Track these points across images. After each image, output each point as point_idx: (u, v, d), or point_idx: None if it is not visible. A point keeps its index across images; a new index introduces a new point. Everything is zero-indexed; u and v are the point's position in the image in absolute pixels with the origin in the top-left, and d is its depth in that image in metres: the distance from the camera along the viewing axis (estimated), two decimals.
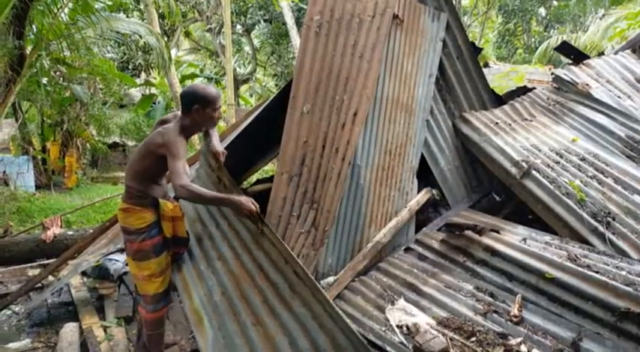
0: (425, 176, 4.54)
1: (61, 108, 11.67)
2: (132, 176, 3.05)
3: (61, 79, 11.80)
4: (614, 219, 3.66)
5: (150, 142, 2.96)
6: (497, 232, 3.72)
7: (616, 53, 6.03)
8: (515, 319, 2.95)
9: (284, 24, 17.23)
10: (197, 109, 2.95)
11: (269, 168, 9.83)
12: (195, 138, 14.59)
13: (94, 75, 11.79)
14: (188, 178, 2.73)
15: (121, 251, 5.61)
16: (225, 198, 2.83)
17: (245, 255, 2.96)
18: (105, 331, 3.99)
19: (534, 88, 5.66)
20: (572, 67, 5.60)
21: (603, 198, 3.83)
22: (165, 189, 3.21)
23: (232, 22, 16.81)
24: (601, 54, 6.25)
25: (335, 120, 3.93)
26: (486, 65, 11.40)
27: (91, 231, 5.48)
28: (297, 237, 3.68)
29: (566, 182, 3.97)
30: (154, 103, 16.82)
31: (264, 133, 4.85)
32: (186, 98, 2.99)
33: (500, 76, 9.63)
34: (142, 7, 15.64)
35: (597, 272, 3.06)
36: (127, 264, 5.26)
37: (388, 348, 2.86)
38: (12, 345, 3.92)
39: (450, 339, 2.82)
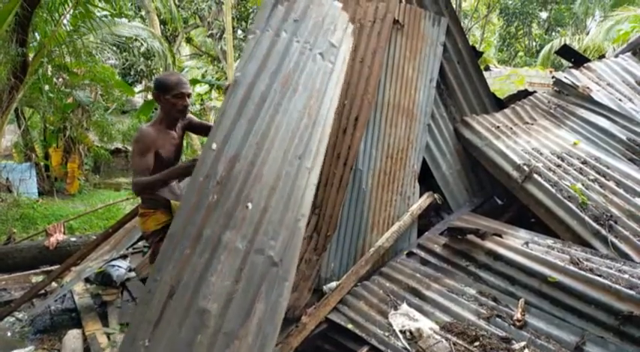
0: (427, 180, 4.55)
1: (63, 115, 11.72)
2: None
3: (64, 85, 11.86)
4: (616, 222, 3.66)
5: (132, 143, 3.10)
6: (500, 236, 3.72)
7: (616, 56, 6.04)
8: (518, 323, 2.95)
9: None
10: (157, 96, 3.03)
11: None
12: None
13: (96, 82, 11.84)
14: (144, 172, 2.82)
15: (124, 257, 5.65)
16: (169, 173, 2.82)
17: None
18: (108, 338, 3.99)
19: (535, 92, 5.67)
20: (573, 70, 5.61)
21: (605, 201, 3.83)
22: (176, 189, 3.25)
23: (233, 27, 16.87)
24: (601, 57, 6.26)
25: (336, 126, 3.93)
26: (487, 68, 11.45)
27: (94, 237, 5.50)
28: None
29: (567, 185, 3.97)
30: (156, 109, 16.85)
31: None
32: (153, 88, 3.10)
33: (501, 79, 9.67)
34: (143, 13, 15.71)
35: (600, 276, 3.05)
36: (129, 270, 5.28)
37: None
38: None
39: (454, 344, 2.82)
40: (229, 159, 2.49)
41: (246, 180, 2.48)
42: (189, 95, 3.11)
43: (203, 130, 3.43)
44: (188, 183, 2.46)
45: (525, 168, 4.16)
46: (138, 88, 17.87)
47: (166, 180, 2.90)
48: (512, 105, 5.26)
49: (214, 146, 2.50)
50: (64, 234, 6.67)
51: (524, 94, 5.74)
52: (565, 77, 5.43)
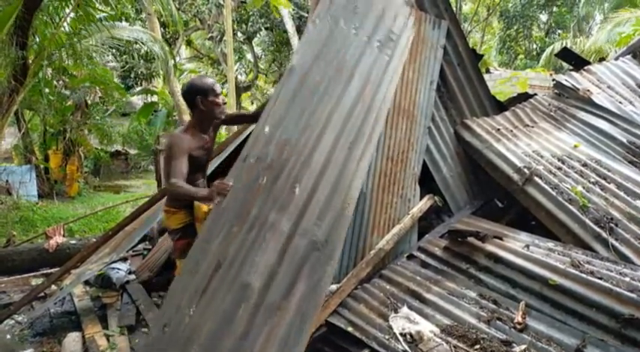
0: (427, 183, 4.54)
1: (63, 118, 11.73)
2: (165, 180, 3.21)
3: (64, 88, 11.86)
4: (617, 225, 3.65)
5: (164, 148, 3.26)
6: (500, 239, 3.71)
7: (616, 59, 6.04)
8: (519, 326, 2.94)
9: (285, 32, 17.33)
10: (200, 100, 3.06)
11: None
12: None
13: (95, 84, 11.85)
14: (180, 176, 2.82)
15: (124, 260, 5.64)
16: (195, 194, 2.83)
17: None
18: (108, 340, 3.99)
19: (535, 94, 5.66)
20: (573, 73, 5.60)
21: (606, 204, 3.82)
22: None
23: (234, 30, 16.87)
24: (602, 59, 6.26)
25: None
26: (487, 71, 11.45)
27: (94, 239, 5.49)
28: None
29: (568, 188, 3.96)
30: (155, 111, 16.86)
31: None
32: (188, 94, 3.12)
33: (502, 81, 9.67)
34: (143, 16, 15.71)
35: (601, 279, 3.04)
36: (129, 273, 5.28)
37: None
38: None
39: (454, 347, 2.81)
40: (280, 144, 2.63)
41: (296, 165, 2.60)
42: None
43: (240, 119, 3.58)
44: (236, 162, 2.66)
45: (526, 170, 4.15)
46: (137, 90, 17.86)
47: (200, 198, 2.89)
48: (513, 108, 5.25)
49: (267, 129, 2.66)
50: (64, 236, 6.67)
51: (524, 97, 5.74)
52: (565, 80, 5.42)
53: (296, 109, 2.74)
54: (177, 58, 19.80)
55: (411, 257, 3.96)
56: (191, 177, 3.13)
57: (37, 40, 8.41)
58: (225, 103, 3.21)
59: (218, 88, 3.14)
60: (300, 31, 15.29)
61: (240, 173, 2.56)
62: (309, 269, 2.40)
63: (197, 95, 3.06)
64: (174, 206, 3.19)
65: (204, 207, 3.12)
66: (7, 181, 10.12)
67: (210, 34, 19.79)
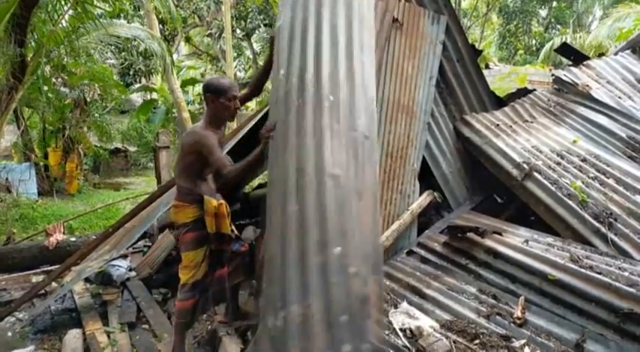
0: (426, 179, 4.55)
1: (62, 115, 11.70)
2: (178, 175, 3.32)
3: (63, 85, 11.83)
4: (616, 220, 3.65)
5: (183, 143, 3.25)
6: (500, 234, 3.71)
7: (616, 54, 6.03)
8: (518, 321, 2.95)
9: None
10: (211, 98, 3.15)
11: None
12: None
13: (95, 82, 11.82)
14: (227, 165, 3.00)
15: (124, 257, 5.64)
16: (253, 156, 2.99)
17: None
18: (108, 337, 3.99)
19: (535, 90, 5.66)
20: (573, 68, 5.60)
21: (605, 199, 3.83)
22: (212, 185, 3.40)
23: (232, 26, 16.83)
24: (601, 55, 6.25)
25: None
26: (487, 66, 11.45)
27: (94, 237, 5.49)
28: None
29: (567, 183, 3.97)
30: (155, 108, 16.81)
31: None
32: (203, 90, 3.23)
33: (501, 77, 9.66)
34: (141, 13, 15.66)
35: (600, 274, 3.05)
36: (129, 270, 5.28)
37: None
38: None
39: (454, 342, 2.81)
40: (297, 75, 2.95)
41: (319, 82, 2.93)
42: (237, 97, 3.27)
43: (244, 101, 3.64)
44: (270, 107, 3.07)
45: (525, 166, 4.16)
46: (136, 86, 17.81)
47: (252, 163, 3.03)
48: (512, 104, 5.25)
49: (282, 72, 2.99)
50: (64, 233, 6.66)
51: (523, 92, 5.74)
52: (564, 75, 5.42)
53: (296, 45, 3.04)
54: (176, 55, 19.75)
55: (410, 253, 3.97)
56: (201, 172, 3.26)
57: (36, 37, 8.38)
58: (238, 108, 3.26)
59: (233, 91, 3.17)
60: None
61: (276, 112, 2.90)
62: (368, 155, 2.83)
63: (208, 92, 3.16)
64: (187, 201, 3.25)
65: (214, 202, 3.19)
66: (6, 179, 10.09)
67: (209, 31, 19.75)
